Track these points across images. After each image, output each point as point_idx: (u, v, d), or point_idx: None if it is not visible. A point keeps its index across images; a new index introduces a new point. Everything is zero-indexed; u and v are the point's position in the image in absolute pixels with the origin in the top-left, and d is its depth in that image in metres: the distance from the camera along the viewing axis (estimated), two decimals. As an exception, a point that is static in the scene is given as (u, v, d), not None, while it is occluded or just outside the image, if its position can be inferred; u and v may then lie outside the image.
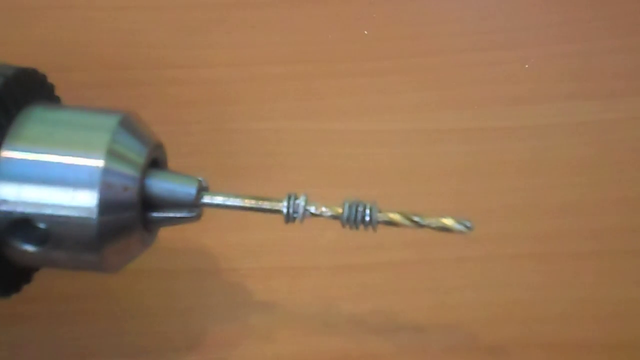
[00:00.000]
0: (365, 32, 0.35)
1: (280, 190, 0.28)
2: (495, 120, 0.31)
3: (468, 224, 0.20)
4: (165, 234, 0.26)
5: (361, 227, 0.20)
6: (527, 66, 0.33)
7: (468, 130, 0.30)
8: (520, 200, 0.28)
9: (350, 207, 0.20)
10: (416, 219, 0.20)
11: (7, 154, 0.19)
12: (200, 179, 0.21)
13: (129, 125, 0.20)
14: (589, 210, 0.28)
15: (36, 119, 0.20)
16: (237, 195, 0.21)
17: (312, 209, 0.20)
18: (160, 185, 0.20)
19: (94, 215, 0.19)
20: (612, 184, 0.28)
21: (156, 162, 0.21)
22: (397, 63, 0.33)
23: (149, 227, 0.21)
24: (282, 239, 0.26)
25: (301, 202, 0.20)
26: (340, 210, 0.20)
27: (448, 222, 0.20)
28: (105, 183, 0.19)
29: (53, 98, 0.22)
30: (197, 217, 0.21)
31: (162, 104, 0.31)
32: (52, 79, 0.22)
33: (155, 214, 0.20)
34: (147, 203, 0.20)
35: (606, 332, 0.24)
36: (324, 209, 0.21)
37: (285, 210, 0.20)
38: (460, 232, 0.20)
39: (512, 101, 0.32)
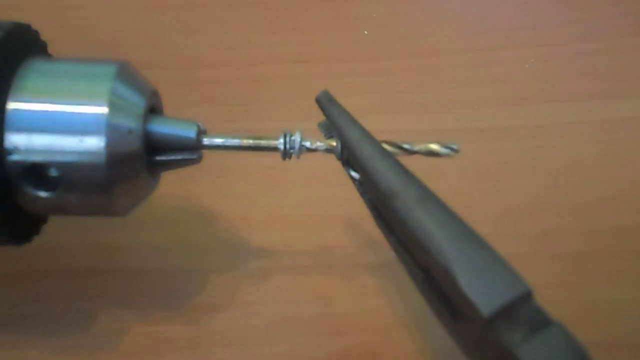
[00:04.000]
0: (365, 32, 0.35)
1: (280, 189, 0.28)
2: (495, 120, 0.31)
3: (454, 147, 0.21)
4: (165, 233, 0.27)
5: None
6: (527, 66, 0.33)
7: (468, 130, 0.30)
8: (520, 200, 0.28)
9: None
10: (406, 146, 0.21)
11: (15, 105, 0.19)
12: (199, 123, 0.21)
13: (127, 73, 0.21)
14: (589, 210, 0.28)
15: (37, 71, 0.20)
16: (235, 136, 0.21)
17: (308, 144, 0.21)
18: (162, 129, 0.21)
19: (102, 158, 0.19)
20: (612, 184, 0.28)
21: (154, 109, 0.22)
22: (397, 63, 0.33)
23: (153, 170, 0.21)
24: (282, 239, 0.26)
25: (297, 137, 0.21)
26: (334, 144, 0.21)
27: (435, 147, 0.21)
28: (111, 127, 0.19)
29: (47, 54, 0.23)
30: (198, 159, 0.22)
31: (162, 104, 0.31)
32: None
33: (158, 158, 0.21)
34: (150, 147, 0.21)
35: (606, 332, 0.24)
36: (319, 143, 0.21)
37: (281, 147, 0.21)
38: (447, 155, 0.21)
39: (512, 101, 0.32)
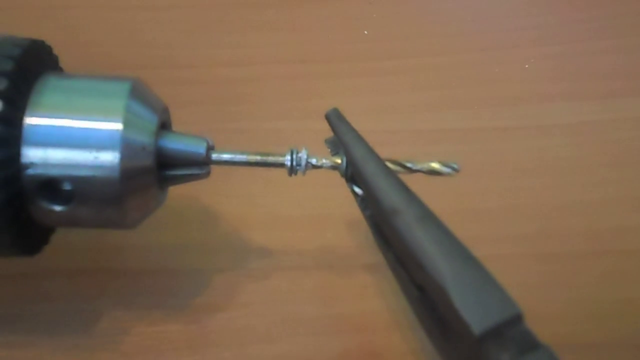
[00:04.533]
0: (365, 32, 0.35)
1: (280, 190, 0.28)
2: (495, 120, 0.31)
3: (455, 166, 0.22)
4: (165, 233, 0.27)
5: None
6: (527, 66, 0.33)
7: (468, 130, 0.30)
8: (520, 200, 0.28)
9: None
10: (408, 165, 0.21)
11: (31, 120, 0.20)
12: (207, 139, 0.22)
13: (139, 90, 0.21)
14: (589, 210, 0.28)
15: (53, 87, 0.21)
16: (243, 152, 0.22)
17: (314, 161, 0.22)
18: (172, 145, 0.21)
19: (116, 173, 0.20)
20: (612, 184, 0.28)
21: (164, 126, 0.22)
22: (397, 63, 0.33)
23: (162, 185, 0.22)
24: (282, 239, 0.26)
25: (303, 155, 0.22)
26: (339, 161, 0.22)
27: (436, 166, 0.22)
28: (125, 143, 0.20)
29: (58, 69, 0.23)
30: (207, 174, 0.22)
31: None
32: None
33: (168, 172, 0.22)
34: (161, 163, 0.21)
35: (606, 332, 0.24)
36: (324, 160, 0.22)
37: (288, 163, 0.22)
38: (448, 174, 0.21)
39: (512, 101, 0.32)
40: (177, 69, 0.33)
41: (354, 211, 0.24)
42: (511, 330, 0.17)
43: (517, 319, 0.17)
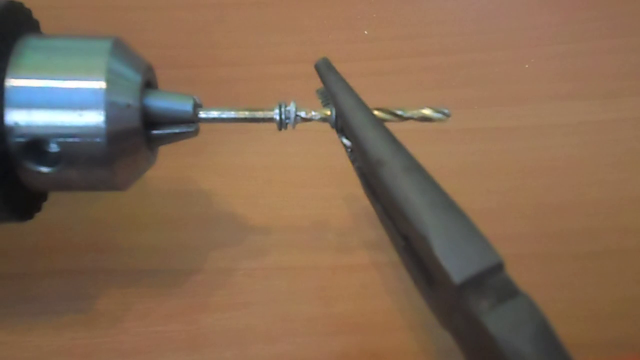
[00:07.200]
0: (365, 32, 0.35)
1: (279, 190, 0.28)
2: (495, 120, 0.31)
3: (446, 111, 0.21)
4: (165, 233, 0.27)
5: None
6: (527, 66, 0.33)
7: (468, 130, 0.30)
8: (520, 200, 0.28)
9: None
10: (399, 112, 0.21)
11: (13, 82, 0.20)
12: (194, 96, 0.22)
13: (122, 48, 0.21)
14: (589, 210, 0.28)
15: (33, 48, 0.20)
16: (231, 108, 0.22)
17: (303, 114, 0.22)
18: (158, 103, 0.21)
19: (102, 132, 0.20)
20: (612, 184, 0.28)
21: (149, 84, 0.22)
22: (397, 63, 0.33)
23: (151, 145, 0.22)
24: (282, 239, 0.26)
25: (292, 108, 0.22)
26: (328, 113, 0.22)
27: (427, 112, 0.21)
28: (109, 102, 0.20)
29: (39, 32, 0.23)
30: (195, 132, 0.22)
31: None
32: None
33: (155, 132, 0.21)
34: (147, 122, 0.21)
35: (606, 332, 0.24)
36: (313, 113, 0.22)
37: (277, 117, 0.22)
38: (439, 120, 0.21)
39: (512, 101, 0.32)
40: (177, 69, 0.33)
41: (354, 211, 0.24)
42: (491, 278, 0.17)
43: (497, 268, 0.17)
